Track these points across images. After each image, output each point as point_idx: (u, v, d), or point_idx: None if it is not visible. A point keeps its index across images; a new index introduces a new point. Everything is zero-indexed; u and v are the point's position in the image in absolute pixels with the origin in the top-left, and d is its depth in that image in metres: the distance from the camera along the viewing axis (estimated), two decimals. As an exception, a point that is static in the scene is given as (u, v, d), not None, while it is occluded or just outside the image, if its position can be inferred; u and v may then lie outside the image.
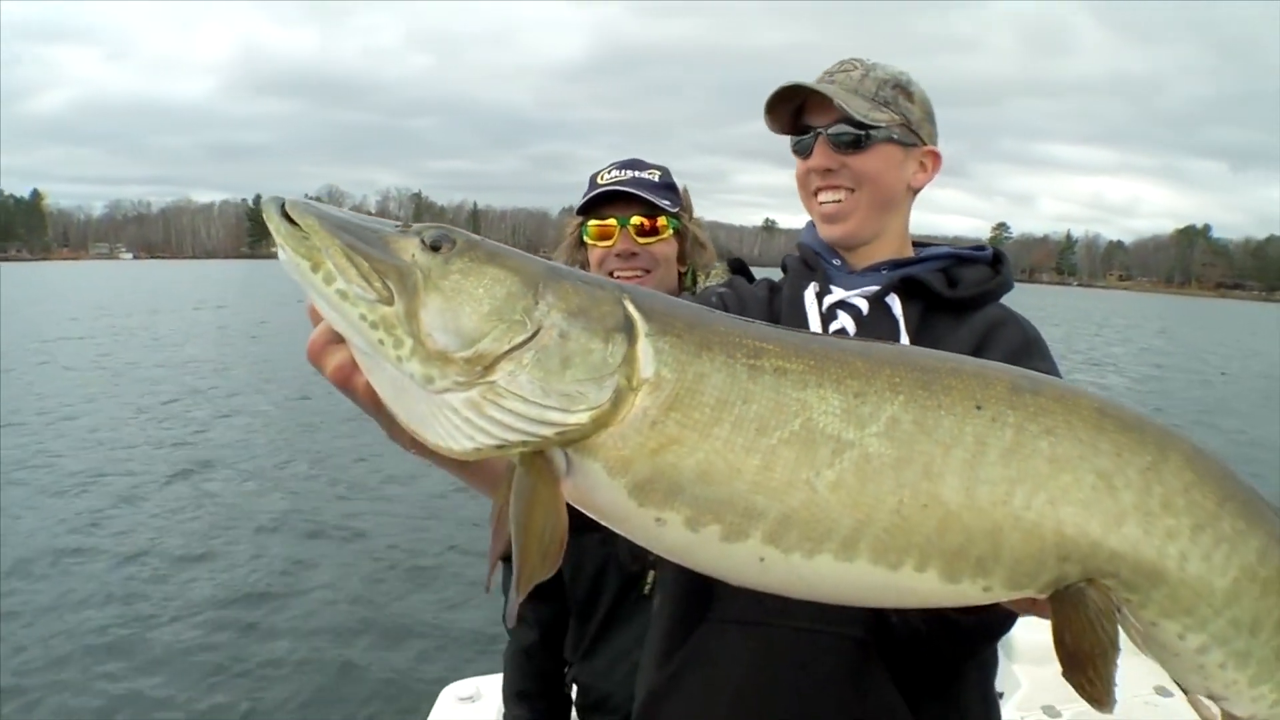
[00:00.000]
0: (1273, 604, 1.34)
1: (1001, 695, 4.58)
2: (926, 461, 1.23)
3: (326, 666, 8.16)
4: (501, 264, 1.23)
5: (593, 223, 2.95)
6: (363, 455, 15.59)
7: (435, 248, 1.21)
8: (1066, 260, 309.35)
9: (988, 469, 1.24)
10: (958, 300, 2.07)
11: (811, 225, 2.24)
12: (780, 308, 2.15)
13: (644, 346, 1.21)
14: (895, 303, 2.06)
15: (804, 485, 1.19)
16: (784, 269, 2.28)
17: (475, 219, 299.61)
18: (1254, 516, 1.34)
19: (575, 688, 3.23)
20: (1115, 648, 1.28)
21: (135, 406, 20.44)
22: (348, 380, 1.24)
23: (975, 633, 1.65)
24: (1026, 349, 1.98)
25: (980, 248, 2.22)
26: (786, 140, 2.17)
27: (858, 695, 1.82)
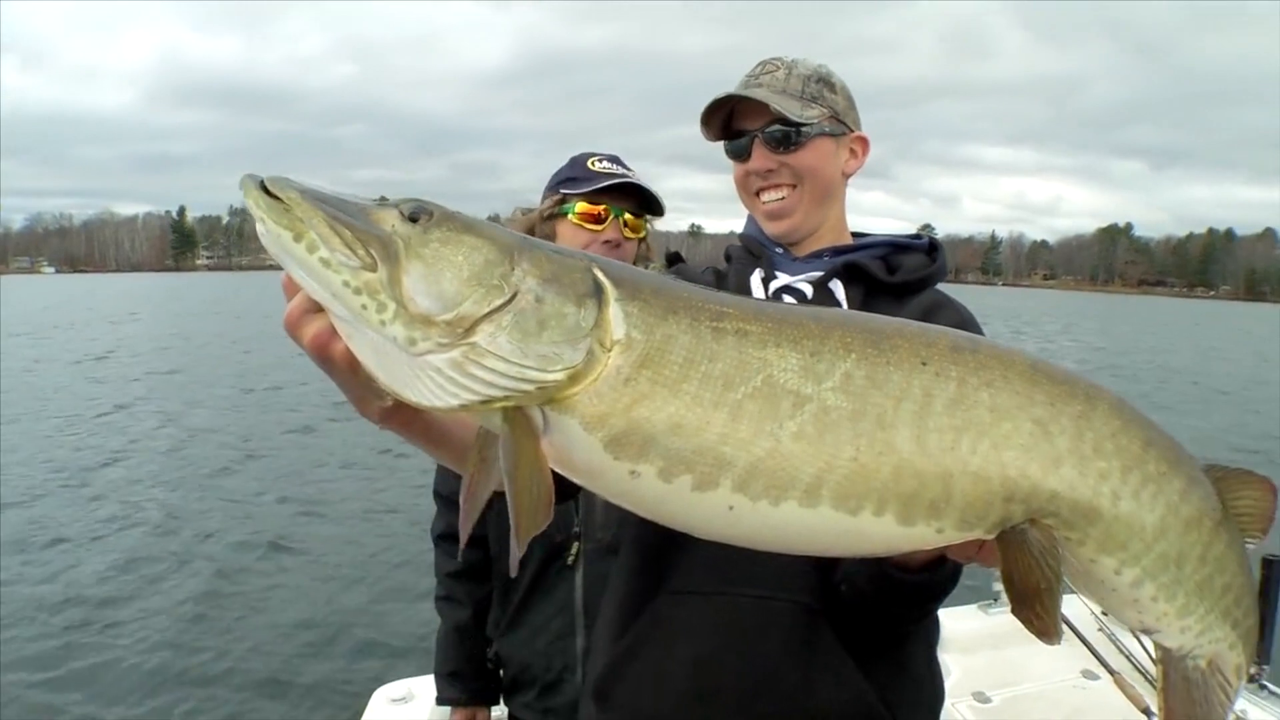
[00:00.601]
0: (1194, 540, 1.47)
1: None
2: (879, 413, 1.31)
3: (257, 673, 8.10)
4: (478, 233, 1.29)
5: (583, 205, 2.96)
6: (280, 462, 15.56)
7: (414, 219, 1.26)
8: (991, 260, 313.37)
9: (935, 418, 1.33)
10: (897, 285, 2.15)
11: (752, 218, 2.30)
12: (728, 291, 2.19)
13: (614, 311, 1.28)
14: (838, 287, 2.13)
15: (769, 436, 1.27)
16: (728, 258, 2.35)
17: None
18: (1175, 460, 1.47)
19: (498, 664, 3.26)
20: (1059, 582, 1.38)
21: (48, 421, 20.08)
22: (325, 348, 1.29)
23: (918, 593, 1.73)
24: (964, 330, 2.03)
25: (916, 237, 2.33)
26: (709, 145, 2.23)
27: (809, 659, 1.90)
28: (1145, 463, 1.43)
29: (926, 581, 1.65)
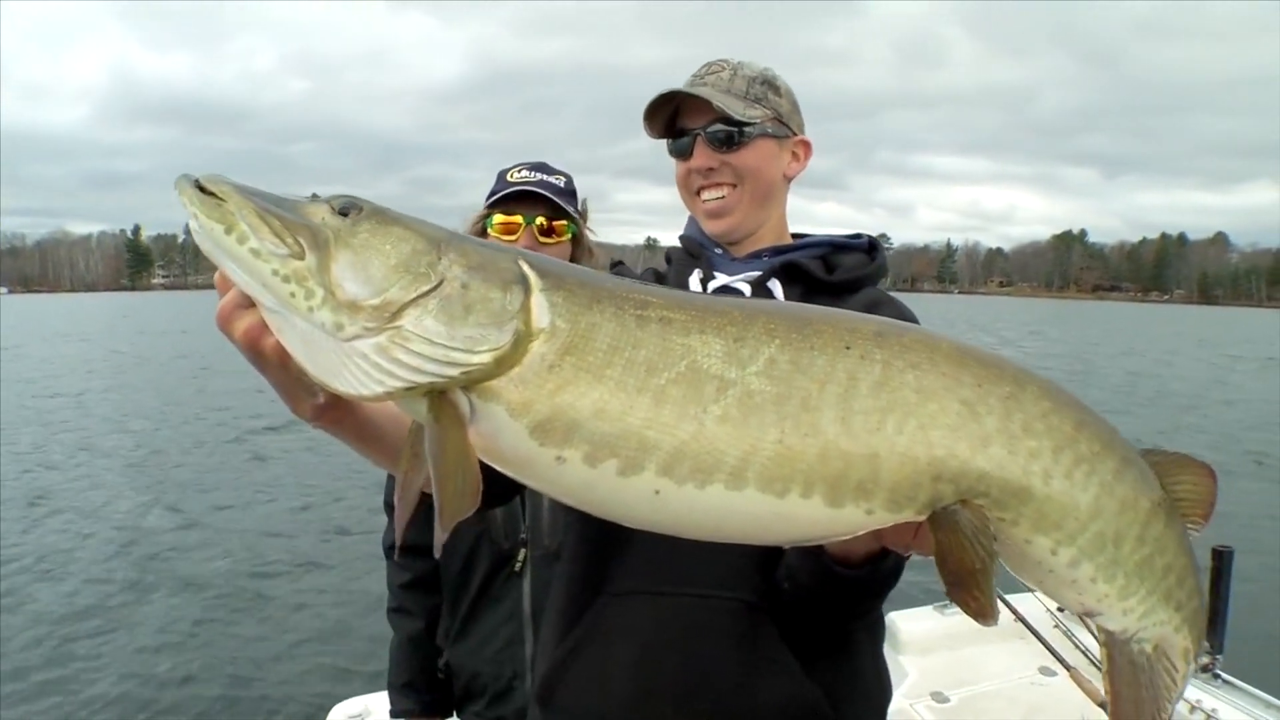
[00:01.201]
0: (1131, 519, 1.47)
1: (891, 680, 4.70)
2: (804, 396, 1.32)
3: (212, 694, 8.05)
4: (406, 225, 1.31)
5: (499, 217, 3.06)
6: (227, 478, 15.47)
7: (344, 213, 1.29)
8: (947, 268, 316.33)
9: (860, 400, 1.34)
10: (836, 284, 2.15)
11: (693, 219, 2.31)
12: None
13: (538, 300, 1.29)
14: (777, 287, 2.13)
15: (692, 419, 1.28)
16: (668, 260, 2.36)
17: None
18: (1107, 440, 1.48)
19: (449, 675, 3.24)
20: (993, 561, 1.39)
21: None
22: (256, 342, 1.30)
23: (860, 587, 1.71)
24: None
25: (856, 236, 2.31)
26: (665, 161, 2.24)
27: (750, 657, 1.89)
28: (1077, 443, 1.44)
29: (868, 576, 1.65)
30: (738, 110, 2.07)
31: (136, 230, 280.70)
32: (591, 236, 3.27)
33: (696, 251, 2.26)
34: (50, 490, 15.56)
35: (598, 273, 1.45)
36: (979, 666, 4.38)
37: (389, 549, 3.26)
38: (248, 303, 1.29)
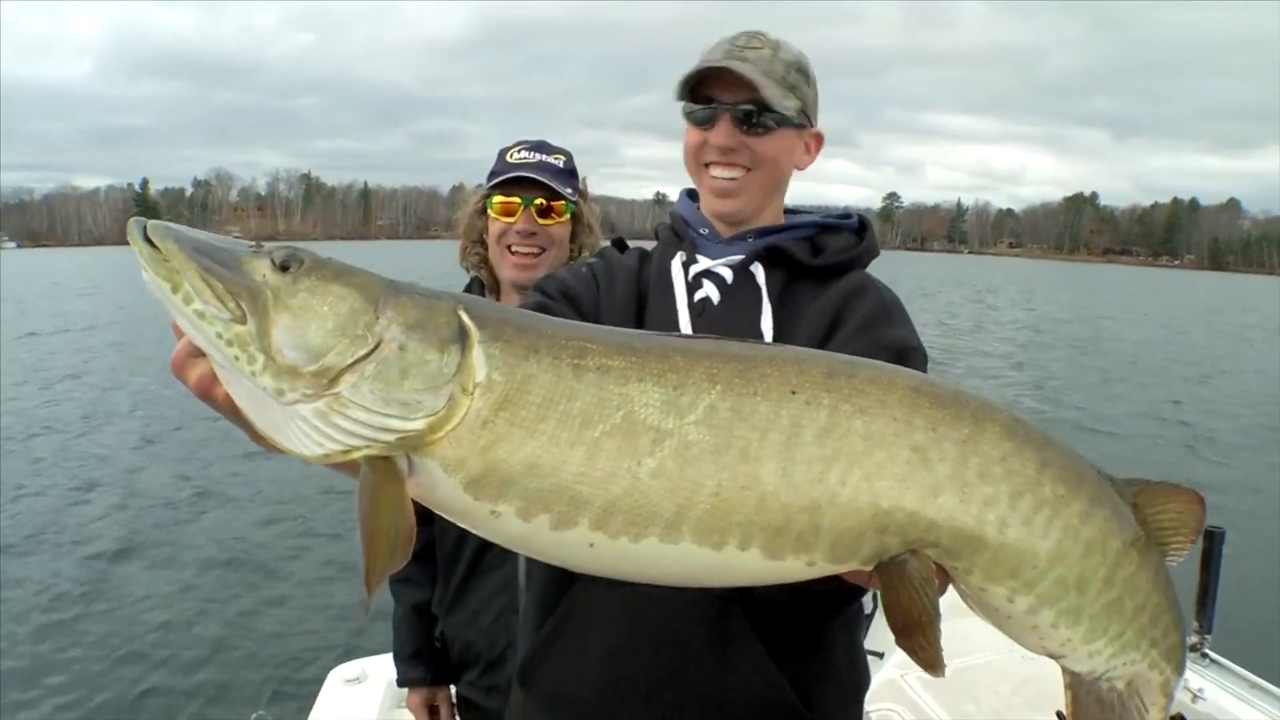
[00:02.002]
0: (1098, 562, 1.42)
1: (883, 655, 4.74)
2: (744, 445, 1.30)
3: (210, 659, 8.17)
4: (345, 282, 1.29)
5: (498, 198, 3.10)
6: (229, 451, 15.36)
7: (285, 268, 1.26)
8: (957, 228, 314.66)
9: (803, 449, 1.31)
10: (820, 268, 2.12)
11: (685, 195, 2.29)
12: (649, 277, 2.19)
13: (477, 353, 1.27)
14: (759, 271, 2.10)
15: (626, 474, 1.27)
16: (657, 237, 2.33)
17: (367, 199, 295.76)
18: (1075, 481, 1.42)
19: (444, 644, 3.29)
20: (938, 614, 1.38)
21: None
22: (208, 391, 1.30)
23: (830, 599, 1.71)
24: (885, 314, 2.03)
25: (846, 216, 2.27)
26: (671, 116, 2.18)
27: (721, 649, 1.91)
28: (1040, 486, 1.39)
29: (836, 590, 1.57)
30: (776, 98, 2.02)
31: (144, 184, 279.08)
32: (591, 210, 3.29)
33: (682, 232, 2.23)
34: (53, 450, 15.69)
35: (539, 318, 1.43)
36: (971, 639, 4.42)
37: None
38: (199, 352, 1.28)
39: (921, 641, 1.38)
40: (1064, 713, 1.68)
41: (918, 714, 4.26)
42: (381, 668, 3.57)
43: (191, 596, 9.59)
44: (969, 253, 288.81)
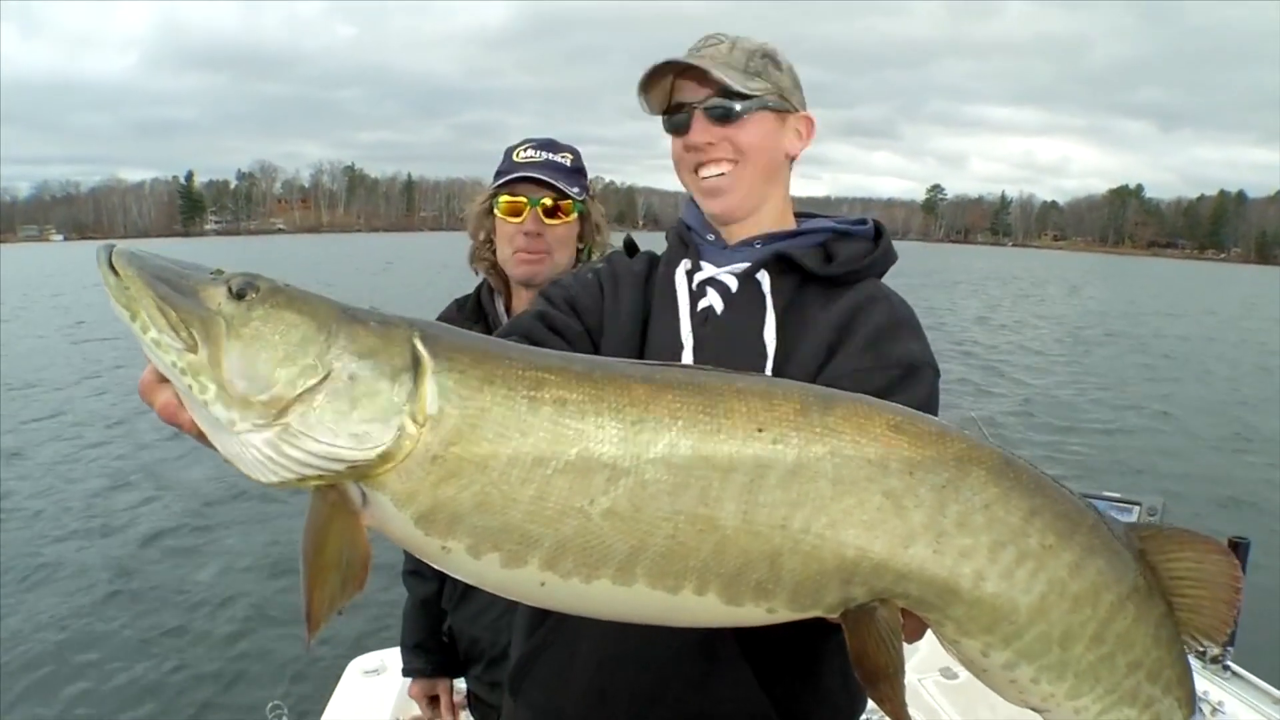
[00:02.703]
0: (1087, 617, 1.36)
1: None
2: (704, 487, 1.25)
3: (230, 647, 8.29)
4: (298, 309, 1.27)
5: (504, 198, 3.09)
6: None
7: (240, 295, 1.25)
8: (1001, 220, 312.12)
9: (766, 493, 1.26)
10: (831, 277, 2.06)
11: (691, 202, 2.24)
12: (656, 284, 2.16)
13: (429, 384, 1.25)
14: (765, 279, 2.05)
15: (577, 513, 1.24)
16: (667, 241, 2.29)
17: (410, 190, 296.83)
18: (1067, 530, 1.36)
19: (453, 639, 3.34)
20: (903, 664, 1.35)
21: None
22: (174, 416, 1.30)
23: (821, 624, 1.62)
24: (893, 328, 1.97)
25: (862, 221, 2.20)
26: None
27: (707, 669, 1.88)
28: (1025, 536, 1.33)
29: (821, 621, 1.50)
30: (737, 81, 1.99)
31: (189, 176, 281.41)
32: (599, 210, 3.28)
33: (687, 239, 2.20)
34: (87, 440, 16.00)
35: (498, 344, 1.41)
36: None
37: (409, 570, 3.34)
38: (164, 377, 1.28)
39: (887, 691, 1.35)
40: None
41: (932, 718, 4.22)
42: (399, 660, 3.61)
43: (214, 585, 9.71)
44: (1013, 245, 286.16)
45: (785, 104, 2.08)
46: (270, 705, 3.77)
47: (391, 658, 4.44)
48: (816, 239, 2.12)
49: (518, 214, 3.06)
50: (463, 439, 1.23)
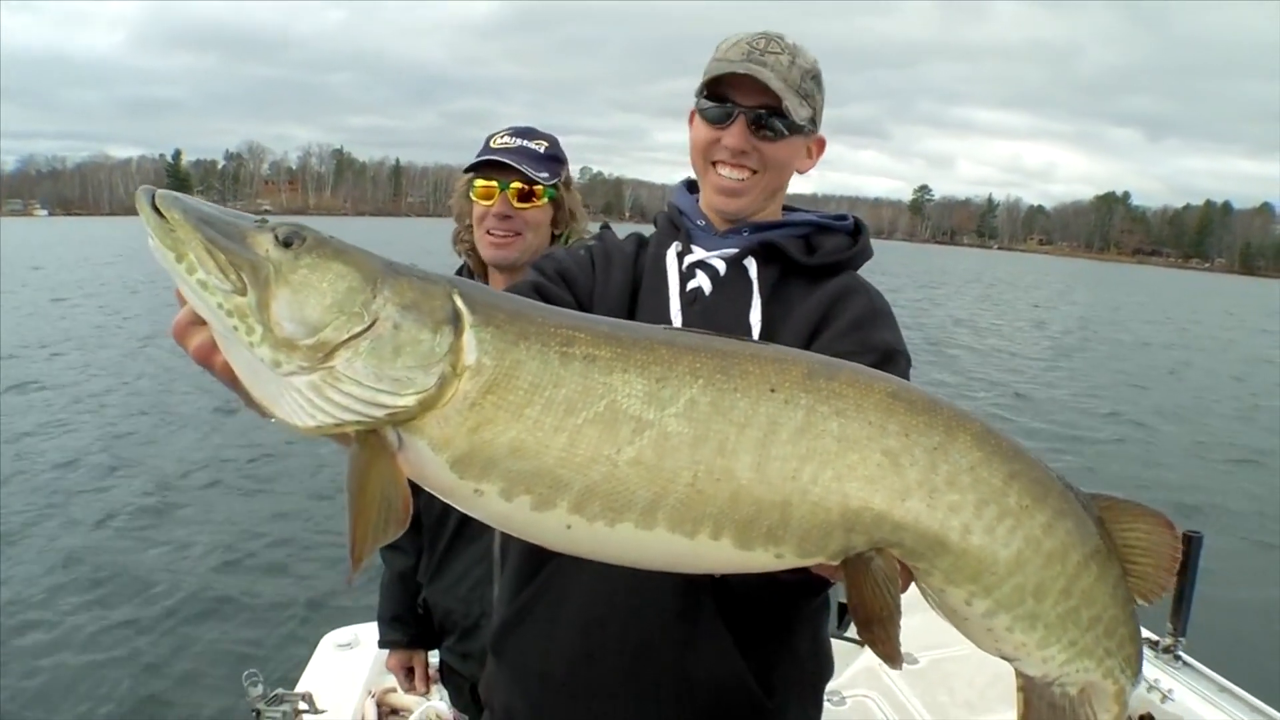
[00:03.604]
0: (1057, 573, 1.47)
1: (863, 644, 4.81)
2: (721, 440, 1.34)
3: (205, 621, 8.35)
4: (345, 260, 1.33)
5: (479, 182, 3.19)
6: (222, 422, 15.49)
7: (287, 243, 1.31)
8: (988, 223, 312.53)
9: (778, 447, 1.36)
10: (813, 267, 2.15)
11: (683, 186, 2.33)
12: (645, 264, 2.23)
13: (469, 337, 1.32)
14: (752, 265, 2.13)
15: (605, 460, 1.32)
16: (655, 224, 2.37)
17: (398, 176, 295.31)
18: (1041, 493, 1.47)
19: (428, 611, 3.42)
20: (899, 610, 1.43)
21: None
22: (208, 358, 1.35)
23: (798, 589, 1.75)
24: (873, 318, 2.06)
25: (842, 217, 2.29)
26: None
27: (689, 633, 1.96)
28: (1006, 496, 1.43)
29: (805, 581, 1.60)
30: (794, 107, 2.06)
31: (177, 155, 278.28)
32: (575, 197, 3.37)
33: (679, 222, 2.26)
34: (59, 413, 16.06)
35: (530, 304, 1.48)
36: (951, 630, 4.51)
37: None
38: (201, 319, 1.31)
39: (881, 634, 1.44)
40: None
41: (892, 701, 4.33)
42: (373, 634, 3.69)
43: (189, 560, 9.78)
44: (999, 248, 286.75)
45: (814, 128, 2.18)
46: (246, 673, 3.82)
47: (364, 632, 4.55)
48: (800, 231, 2.21)
49: (489, 197, 3.16)
50: (499, 388, 1.31)
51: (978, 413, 1.50)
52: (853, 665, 4.65)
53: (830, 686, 4.43)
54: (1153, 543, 1.56)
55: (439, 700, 3.83)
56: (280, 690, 3.85)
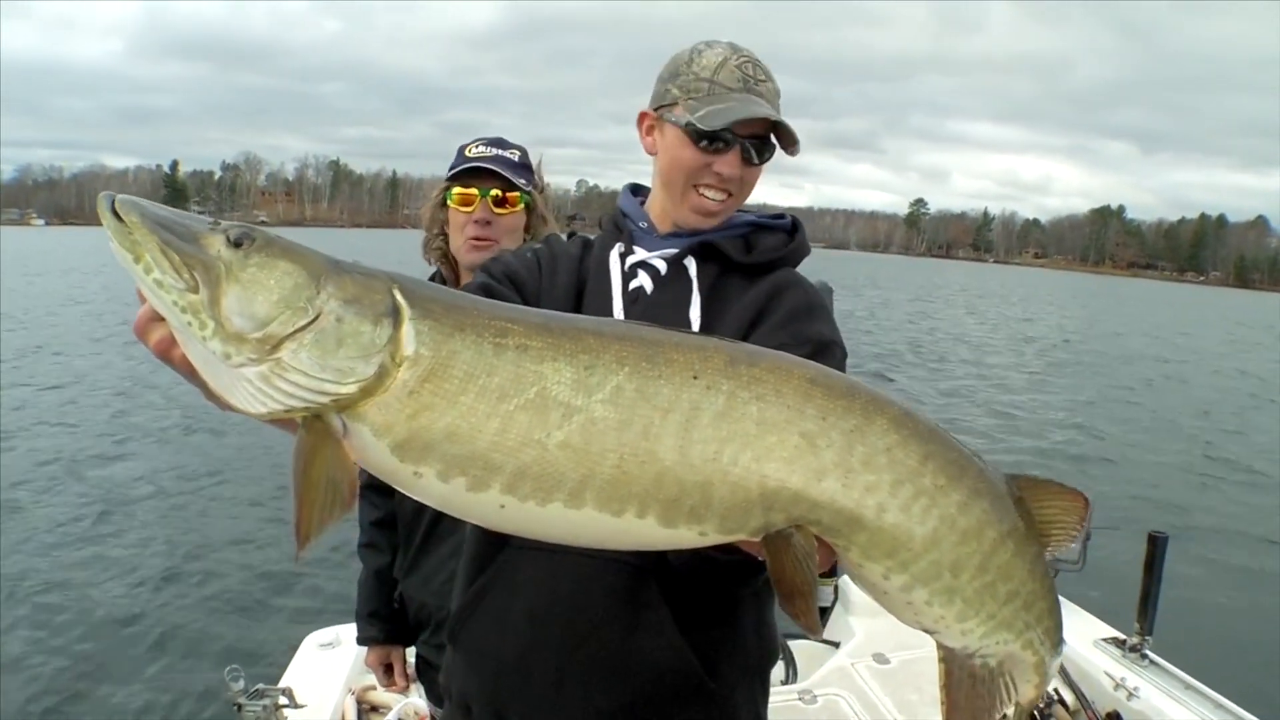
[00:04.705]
0: (973, 549, 1.53)
1: (838, 645, 4.94)
2: (645, 424, 1.41)
3: (187, 621, 8.41)
4: (291, 258, 1.40)
5: (457, 190, 3.29)
6: (211, 421, 15.53)
7: (237, 244, 1.38)
8: (984, 237, 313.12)
9: (700, 430, 1.42)
10: (750, 265, 2.21)
11: (628, 190, 2.41)
12: (590, 265, 2.29)
13: (407, 329, 1.39)
14: (692, 265, 2.20)
15: (536, 444, 1.38)
16: (600, 227, 2.43)
17: (395, 187, 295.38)
18: (956, 473, 1.52)
19: (403, 605, 3.47)
20: (817, 583, 1.50)
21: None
22: (167, 352, 1.43)
23: (736, 570, 1.79)
24: (808, 311, 2.13)
25: (780, 217, 2.36)
26: None
27: (632, 617, 2.02)
28: (920, 476, 1.49)
29: (740, 563, 1.67)
30: (790, 139, 2.14)
31: (174, 165, 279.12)
32: (545, 202, 3.46)
33: (622, 224, 2.33)
34: (46, 419, 16.07)
35: (467, 298, 1.54)
36: (922, 635, 4.59)
37: (363, 488, 3.43)
38: (160, 316, 1.39)
39: (803, 606, 1.49)
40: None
41: (864, 700, 4.39)
42: (354, 632, 3.75)
43: (172, 558, 9.87)
44: (994, 261, 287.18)
45: None
46: (228, 669, 3.87)
47: (346, 632, 4.60)
48: (739, 231, 2.28)
49: (469, 204, 3.26)
50: (435, 377, 1.38)
51: (898, 397, 1.56)
52: (825, 665, 4.74)
53: (802, 685, 4.56)
54: (1066, 518, 1.63)
55: (417, 697, 3.89)
56: (261, 685, 3.90)
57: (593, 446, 1.40)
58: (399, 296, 1.42)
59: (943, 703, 1.70)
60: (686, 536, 1.47)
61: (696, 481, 1.42)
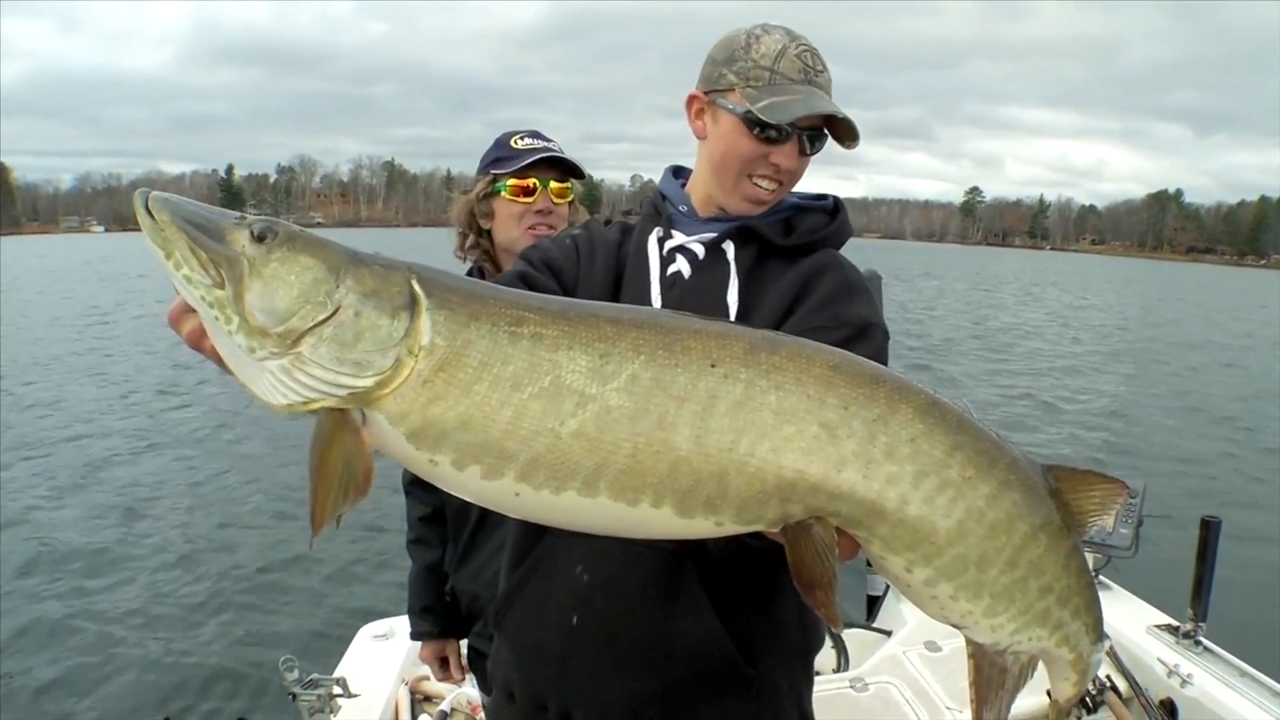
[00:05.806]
0: (1002, 543, 1.51)
1: (890, 633, 4.97)
2: (661, 413, 1.41)
3: (247, 611, 8.57)
4: (312, 253, 1.42)
5: (513, 181, 3.29)
6: (251, 416, 15.73)
7: (261, 239, 1.40)
8: (1039, 224, 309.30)
9: (716, 420, 1.42)
10: (790, 247, 2.17)
11: (670, 172, 2.38)
12: (628, 251, 2.27)
13: (424, 319, 1.40)
14: (730, 248, 2.17)
15: (549, 433, 1.39)
16: (640, 210, 2.40)
17: (449, 186, 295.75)
18: (986, 465, 1.50)
19: (454, 598, 3.49)
20: (836, 575, 1.50)
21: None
22: (199, 342, 1.47)
23: (768, 555, 1.74)
24: (848, 292, 2.09)
25: (822, 197, 2.31)
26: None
27: (671, 602, 2.02)
28: (946, 468, 1.47)
29: (775, 548, 1.59)
30: (851, 134, 2.09)
31: (230, 170, 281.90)
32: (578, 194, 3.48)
33: (661, 208, 2.30)
34: (107, 409, 16.69)
35: (485, 286, 1.56)
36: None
37: (409, 485, 3.48)
38: (192, 308, 1.42)
39: (823, 598, 1.49)
40: (1050, 691, 1.80)
41: (915, 688, 4.38)
42: (408, 626, 3.80)
43: (230, 551, 10.03)
44: (1051, 249, 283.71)
45: None
46: (282, 659, 3.93)
47: (400, 624, 4.63)
48: (781, 215, 2.25)
49: (530, 194, 3.26)
50: (450, 366, 1.40)
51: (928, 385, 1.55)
52: (876, 654, 4.72)
53: (853, 674, 4.55)
54: (1104, 507, 1.60)
55: (470, 687, 3.93)
56: (316, 675, 3.96)
57: (606, 436, 1.41)
58: (417, 287, 1.44)
59: (972, 699, 1.71)
60: (703, 526, 1.47)
61: (712, 472, 1.42)
